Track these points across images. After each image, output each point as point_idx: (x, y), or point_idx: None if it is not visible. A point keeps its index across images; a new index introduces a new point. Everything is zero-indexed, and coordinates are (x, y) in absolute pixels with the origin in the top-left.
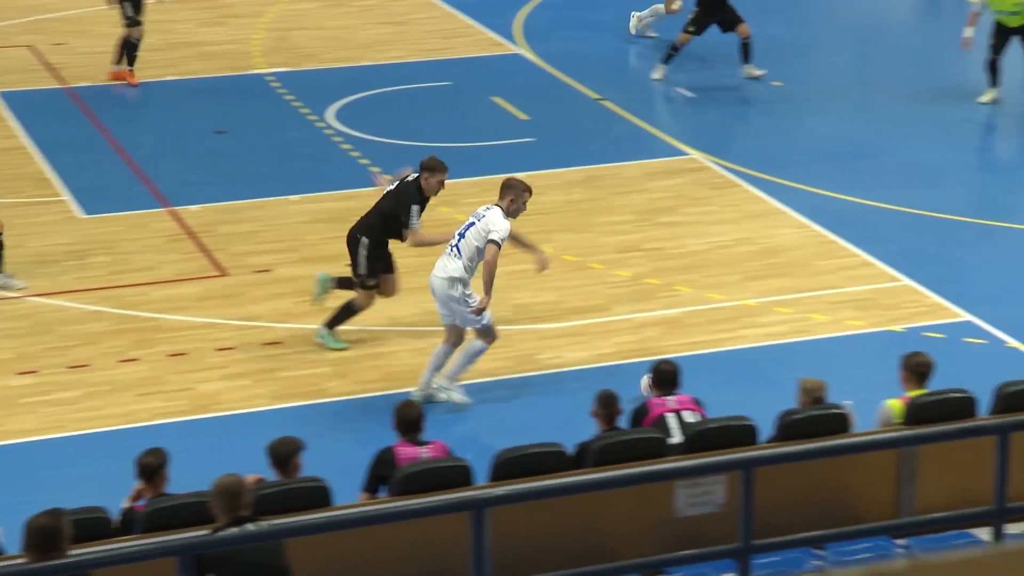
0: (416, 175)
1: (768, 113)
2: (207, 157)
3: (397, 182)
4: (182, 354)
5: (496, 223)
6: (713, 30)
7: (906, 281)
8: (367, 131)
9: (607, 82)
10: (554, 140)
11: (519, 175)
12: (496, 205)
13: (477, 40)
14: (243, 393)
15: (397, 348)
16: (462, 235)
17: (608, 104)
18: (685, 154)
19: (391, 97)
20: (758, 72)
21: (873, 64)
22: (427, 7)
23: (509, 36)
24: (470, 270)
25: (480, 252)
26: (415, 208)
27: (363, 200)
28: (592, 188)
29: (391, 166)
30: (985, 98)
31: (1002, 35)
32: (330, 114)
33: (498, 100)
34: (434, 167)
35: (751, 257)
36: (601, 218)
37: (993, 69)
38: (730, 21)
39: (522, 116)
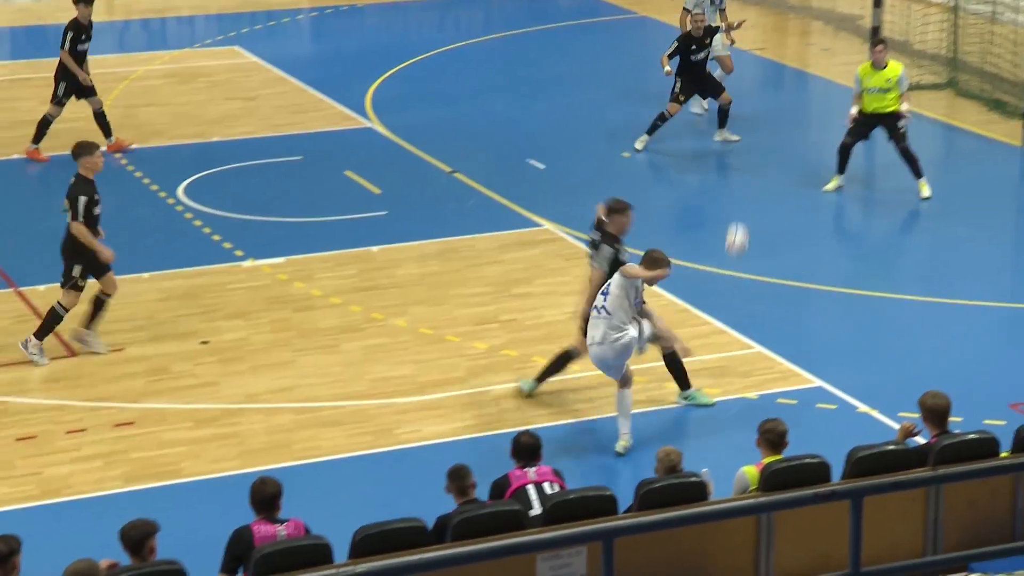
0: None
1: (620, 183)
2: (54, 236)
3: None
4: (30, 437)
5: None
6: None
7: (759, 348)
8: (218, 207)
9: (459, 154)
10: (408, 213)
11: (375, 249)
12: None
13: (328, 114)
14: (94, 476)
15: (252, 426)
16: (606, 293)
17: (460, 176)
18: (538, 225)
19: (242, 172)
20: (733, 137)
21: (713, 135)
22: (277, 82)
23: (360, 110)
24: (621, 319)
25: (623, 292)
26: (618, 247)
27: (214, 276)
28: (447, 260)
29: (243, 242)
30: (830, 185)
31: (865, 121)
32: (180, 191)
33: (351, 174)
34: (619, 207)
35: None
36: (457, 290)
37: (844, 154)
38: (713, 88)
39: (375, 190)
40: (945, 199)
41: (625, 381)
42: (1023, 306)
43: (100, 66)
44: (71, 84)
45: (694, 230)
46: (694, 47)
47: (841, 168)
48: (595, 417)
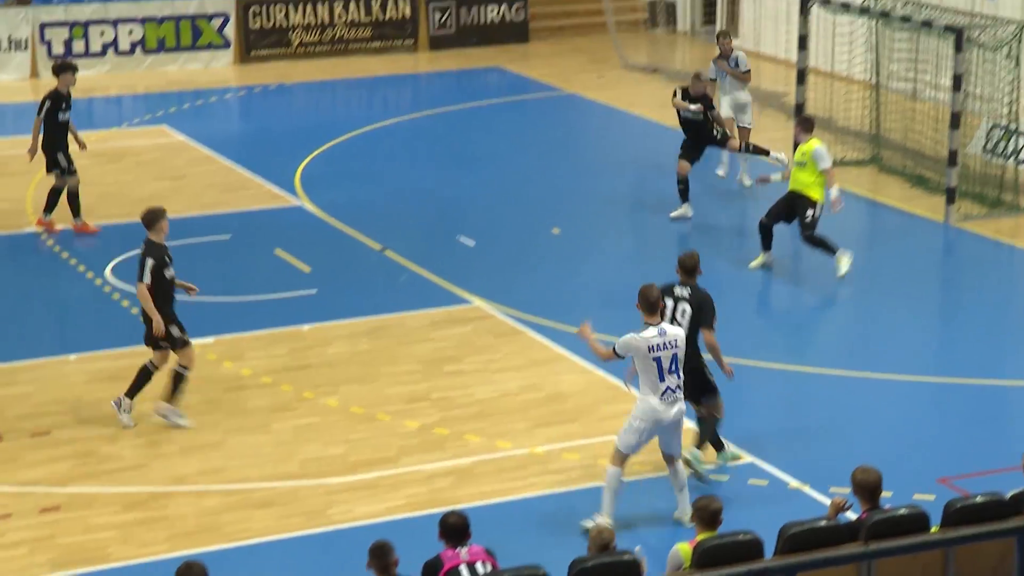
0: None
1: (549, 260)
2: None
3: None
4: None
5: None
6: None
7: (689, 425)
8: None
9: (389, 232)
10: (338, 291)
11: (306, 327)
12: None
13: (257, 193)
14: (20, 563)
15: (181, 508)
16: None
17: (391, 254)
18: (468, 302)
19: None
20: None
21: (645, 210)
22: (205, 161)
23: (290, 188)
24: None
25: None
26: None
27: (143, 357)
28: (378, 338)
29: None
30: (755, 263)
31: (786, 200)
32: (108, 271)
33: (280, 252)
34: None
35: (538, 404)
36: (388, 368)
37: (764, 232)
38: (720, 141)
39: (305, 268)
40: (870, 274)
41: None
42: (949, 380)
43: (25, 147)
44: (64, 150)
45: (622, 308)
46: (688, 102)
47: (765, 245)
48: (527, 495)
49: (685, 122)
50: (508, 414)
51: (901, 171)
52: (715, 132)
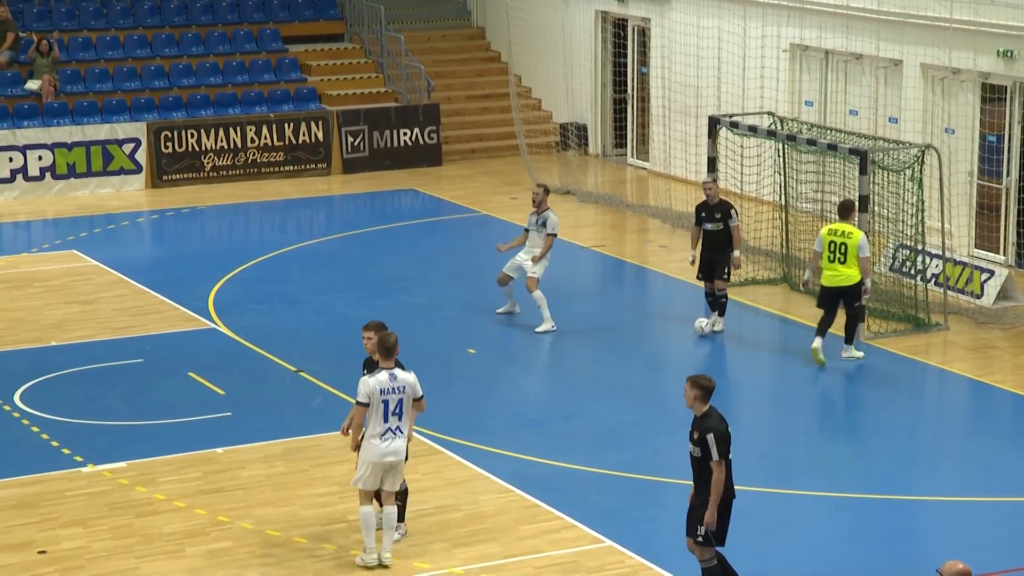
0: None
1: (465, 380)
2: None
3: None
4: None
5: None
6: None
7: (608, 543)
8: (57, 412)
9: (304, 354)
10: (252, 413)
11: (220, 450)
12: None
13: (170, 316)
14: None
15: None
16: None
17: (305, 375)
18: None
19: (82, 377)
20: (719, 327)
21: (565, 329)
22: (116, 285)
23: (203, 311)
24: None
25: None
26: None
27: (52, 483)
28: (293, 460)
29: (83, 447)
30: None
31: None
32: (16, 397)
33: (194, 375)
34: None
35: (456, 524)
36: (303, 491)
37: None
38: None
39: (218, 391)
40: (784, 391)
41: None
42: (863, 496)
43: None
44: None
45: (541, 425)
46: (703, 214)
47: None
48: None
49: (706, 235)
50: (426, 534)
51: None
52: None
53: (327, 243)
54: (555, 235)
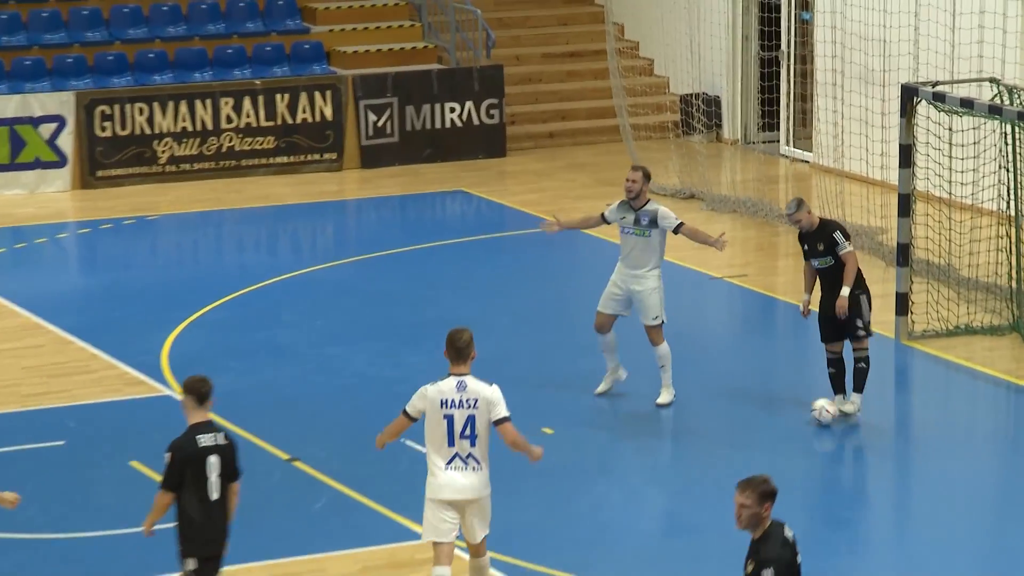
0: None
1: (538, 474)
2: None
3: None
4: None
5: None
6: None
7: None
8: None
9: (301, 434)
10: None
11: None
12: None
13: (104, 377)
14: None
15: None
16: None
17: (303, 466)
18: (418, 536)
19: None
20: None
21: (689, 399)
22: (27, 331)
23: (153, 370)
24: None
25: None
26: None
27: None
28: None
29: None
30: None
31: None
32: None
33: (138, 465)
34: None
35: None
36: None
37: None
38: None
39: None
40: None
41: None
42: None
43: None
44: None
45: (648, 543)
46: (805, 246)
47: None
48: None
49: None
50: None
51: None
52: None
53: (337, 270)
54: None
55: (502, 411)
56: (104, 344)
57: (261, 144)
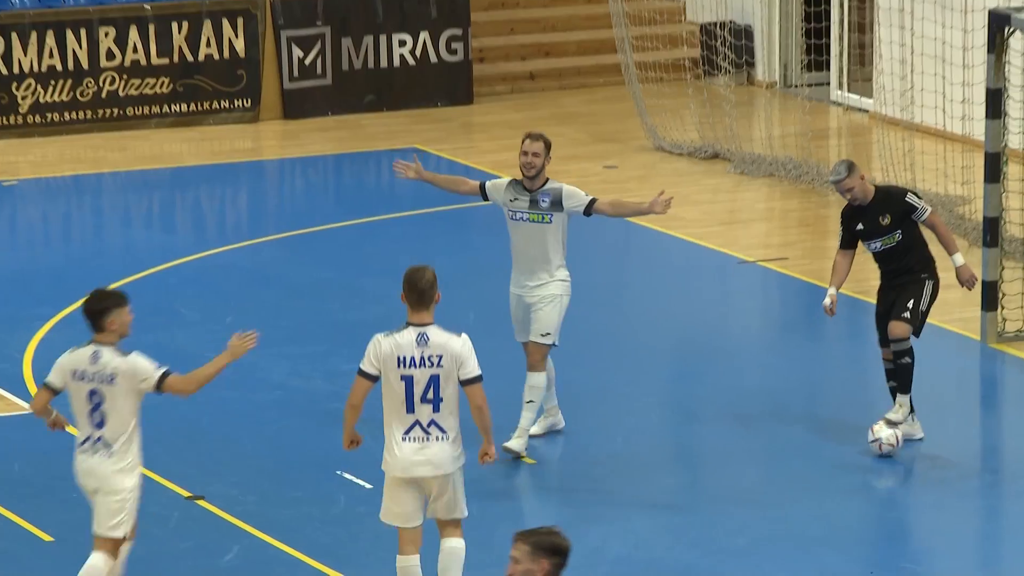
0: None
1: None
2: None
3: None
4: None
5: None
6: None
7: None
8: None
9: (207, 464)
10: None
11: None
12: None
13: None
14: None
15: None
16: None
17: (207, 505)
18: None
19: None
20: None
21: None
22: None
23: (15, 381)
24: None
25: None
26: None
27: None
28: None
29: None
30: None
31: None
32: None
33: (5, 513)
34: None
35: None
36: None
37: None
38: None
39: (42, 535)
40: None
41: None
42: None
43: None
44: None
45: None
46: (860, 226)
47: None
48: None
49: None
50: None
51: None
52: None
53: (253, 252)
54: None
55: (472, 369)
56: None
57: (153, 88)
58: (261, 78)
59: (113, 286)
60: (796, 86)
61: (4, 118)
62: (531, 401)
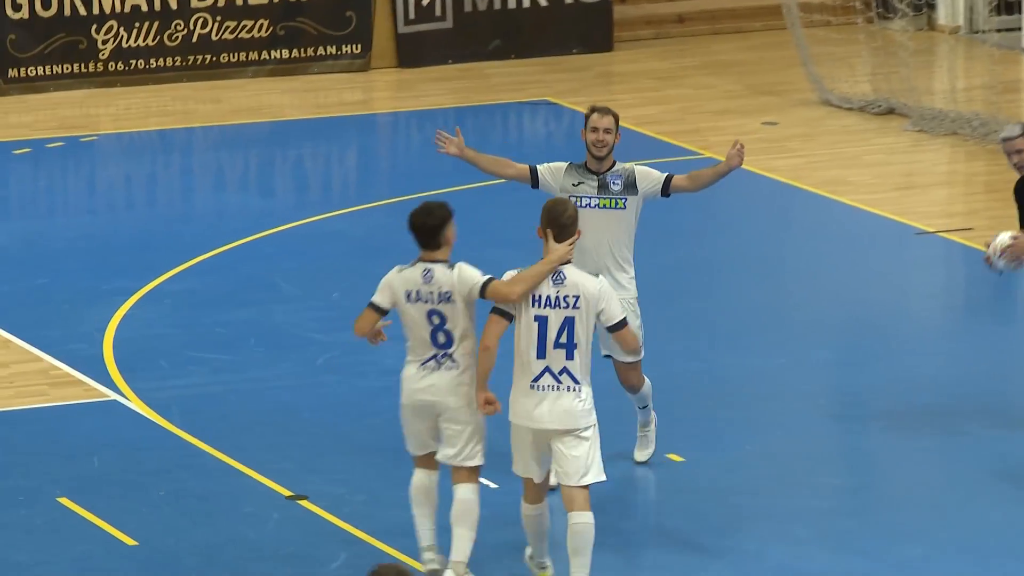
0: None
1: None
2: None
3: None
4: None
5: None
6: None
7: None
8: None
9: (312, 458)
10: None
11: None
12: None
13: (21, 375)
14: None
15: None
16: None
17: (310, 506)
18: None
19: None
20: None
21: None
22: None
23: (95, 365)
24: None
25: None
26: None
27: None
28: None
29: None
30: None
31: None
32: None
33: (67, 503)
34: None
35: None
36: None
37: None
38: None
39: (125, 538)
40: None
41: None
42: None
43: None
44: None
45: None
46: None
47: None
48: None
49: None
50: None
51: None
52: None
53: (361, 218)
54: None
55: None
56: (18, 327)
57: (250, 31)
58: (372, 21)
59: (198, 259)
60: (984, 31)
61: (83, 65)
62: (645, 406)
